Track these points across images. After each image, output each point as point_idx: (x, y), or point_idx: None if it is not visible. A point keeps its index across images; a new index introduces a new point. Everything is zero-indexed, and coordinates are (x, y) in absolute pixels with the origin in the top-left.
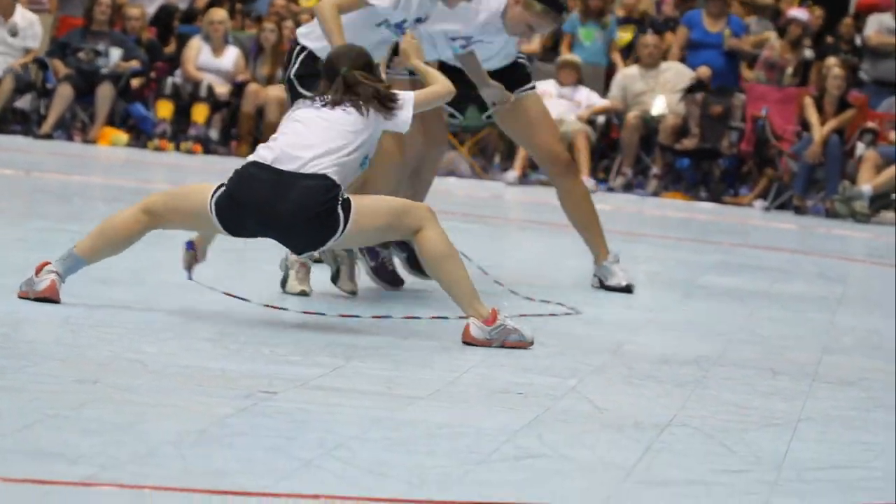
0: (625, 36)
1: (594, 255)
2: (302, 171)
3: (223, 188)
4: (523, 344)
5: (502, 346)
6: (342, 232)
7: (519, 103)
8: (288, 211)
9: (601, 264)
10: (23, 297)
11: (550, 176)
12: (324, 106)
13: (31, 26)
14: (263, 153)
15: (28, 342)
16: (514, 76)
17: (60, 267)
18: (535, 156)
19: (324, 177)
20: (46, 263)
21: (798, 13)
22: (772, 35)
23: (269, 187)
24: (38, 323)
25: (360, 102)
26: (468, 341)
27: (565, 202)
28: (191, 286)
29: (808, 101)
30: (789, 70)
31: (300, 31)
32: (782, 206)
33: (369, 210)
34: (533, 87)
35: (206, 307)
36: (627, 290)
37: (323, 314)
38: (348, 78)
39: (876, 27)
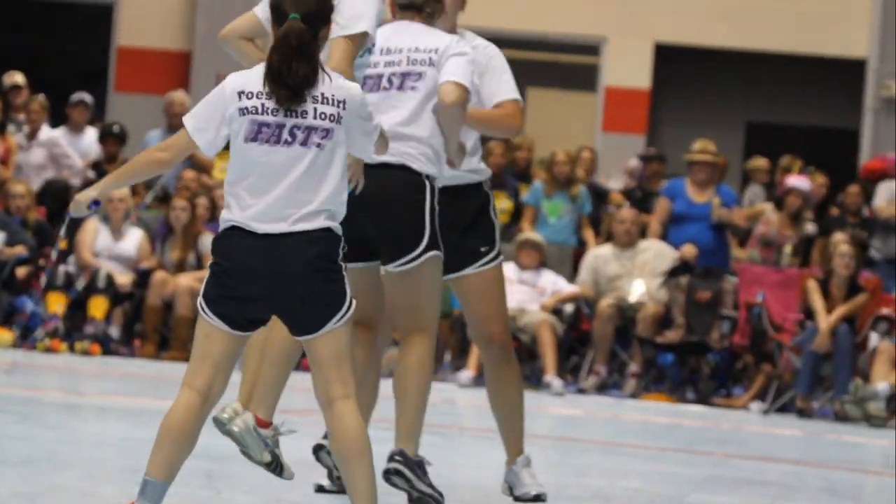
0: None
1: (506, 454)
2: (290, 230)
3: (207, 276)
4: None
5: None
6: (347, 310)
7: (476, 275)
8: (283, 271)
9: (510, 468)
10: None
11: (482, 357)
12: (290, 139)
13: None
14: (237, 216)
15: None
16: (481, 233)
17: (146, 502)
18: (470, 330)
19: (317, 229)
20: (133, 503)
21: (798, 182)
22: (767, 207)
23: (256, 252)
24: None
25: (324, 99)
26: None
27: (490, 389)
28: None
29: (812, 285)
30: (788, 248)
31: None
32: (783, 409)
33: (349, 335)
34: (496, 257)
35: None
36: (538, 499)
37: None
38: (298, 37)
39: (886, 196)
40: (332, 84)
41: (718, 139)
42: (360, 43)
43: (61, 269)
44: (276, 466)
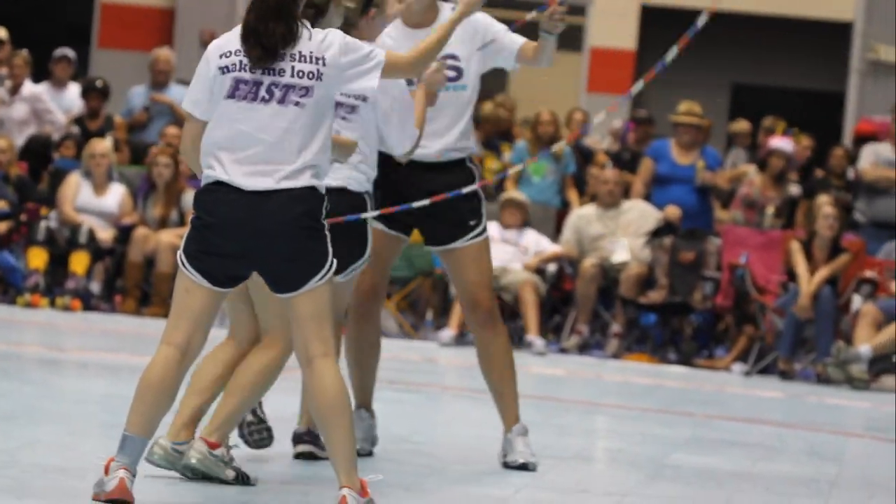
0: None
1: (503, 422)
2: (275, 187)
3: (188, 231)
4: None
5: None
6: (329, 268)
7: (466, 247)
8: (268, 227)
9: (506, 435)
10: (95, 500)
11: (469, 323)
12: (268, 96)
13: None
14: (221, 172)
15: None
16: (469, 207)
17: (125, 458)
18: (459, 298)
19: (303, 187)
20: (113, 459)
21: (781, 143)
22: (750, 169)
23: (241, 207)
24: None
25: (306, 58)
26: None
27: (480, 357)
28: (68, 469)
29: (795, 247)
30: (771, 209)
31: None
32: (765, 371)
33: (330, 293)
34: (484, 230)
35: (84, 494)
36: (524, 468)
37: None
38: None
39: (872, 159)
40: (313, 41)
41: (704, 101)
42: None
43: (42, 224)
44: (241, 478)
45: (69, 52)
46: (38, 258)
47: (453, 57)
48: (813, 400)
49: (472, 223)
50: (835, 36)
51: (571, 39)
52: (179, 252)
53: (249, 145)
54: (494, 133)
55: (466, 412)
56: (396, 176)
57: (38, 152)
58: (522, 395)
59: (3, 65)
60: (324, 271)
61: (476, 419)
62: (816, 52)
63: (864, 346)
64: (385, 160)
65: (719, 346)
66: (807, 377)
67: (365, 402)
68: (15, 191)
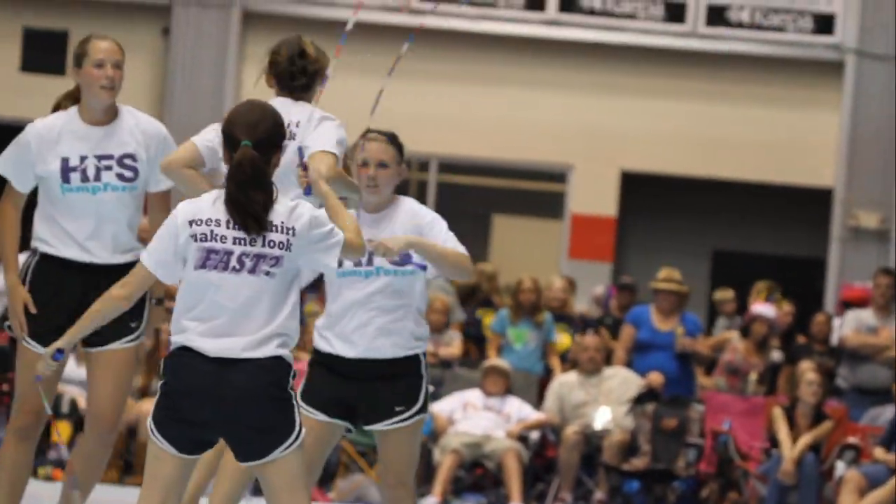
0: (562, 340)
1: None
2: (242, 356)
3: (157, 398)
4: None
5: None
6: (296, 439)
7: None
8: (234, 397)
9: None
10: None
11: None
12: (239, 266)
13: None
14: (187, 338)
15: None
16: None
17: None
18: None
19: (269, 357)
20: None
21: (763, 309)
22: (733, 335)
23: (206, 374)
24: None
25: (278, 226)
26: None
27: None
28: None
29: (778, 413)
30: (754, 376)
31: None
32: None
33: (300, 461)
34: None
35: None
36: None
37: None
38: (252, 165)
39: (854, 325)
40: (283, 210)
41: (684, 267)
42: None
43: None
44: None
45: None
46: None
47: None
48: None
49: (398, 409)
50: (815, 202)
51: (552, 206)
52: (149, 419)
53: (218, 314)
54: (482, 301)
55: None
56: None
57: None
58: None
59: None
60: (289, 442)
61: None
62: (797, 219)
63: None
64: None
65: None
66: None
67: None
68: None
